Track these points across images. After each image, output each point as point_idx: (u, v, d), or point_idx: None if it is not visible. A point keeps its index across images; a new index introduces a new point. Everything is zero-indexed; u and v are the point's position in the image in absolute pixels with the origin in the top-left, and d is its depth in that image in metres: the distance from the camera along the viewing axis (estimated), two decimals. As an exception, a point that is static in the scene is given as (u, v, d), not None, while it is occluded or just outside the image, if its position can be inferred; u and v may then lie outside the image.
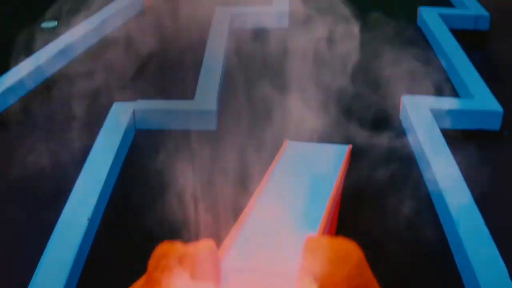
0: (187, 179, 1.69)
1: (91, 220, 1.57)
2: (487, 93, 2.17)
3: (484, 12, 2.97)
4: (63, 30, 2.69)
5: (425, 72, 2.57)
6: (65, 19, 2.82)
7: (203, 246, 0.90)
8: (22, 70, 2.34)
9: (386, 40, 2.75)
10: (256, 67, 2.35)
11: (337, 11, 2.78)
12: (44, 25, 2.89)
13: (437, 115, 2.05)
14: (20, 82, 2.31)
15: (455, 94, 2.34)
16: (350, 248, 1.00)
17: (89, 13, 2.82)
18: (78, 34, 2.65)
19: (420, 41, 2.84)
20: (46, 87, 2.42)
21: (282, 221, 1.27)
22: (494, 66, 2.69)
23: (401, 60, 2.65)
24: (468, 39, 2.82)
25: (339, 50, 2.42)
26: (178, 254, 0.88)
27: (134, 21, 3.04)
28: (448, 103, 2.13)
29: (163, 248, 0.92)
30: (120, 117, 2.04)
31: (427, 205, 1.76)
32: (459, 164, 1.80)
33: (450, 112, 2.08)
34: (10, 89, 2.27)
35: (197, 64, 2.43)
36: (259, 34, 2.80)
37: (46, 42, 2.56)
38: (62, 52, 2.53)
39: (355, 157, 1.90)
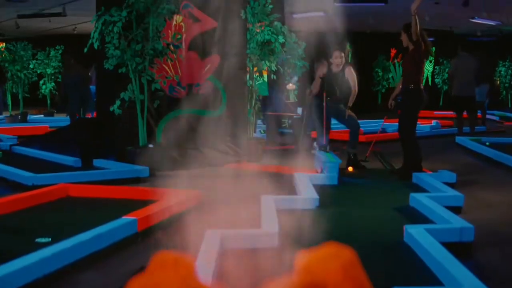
0: None
1: None
2: (476, 282, 2.16)
3: (468, 225, 3.05)
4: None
5: (412, 274, 2.58)
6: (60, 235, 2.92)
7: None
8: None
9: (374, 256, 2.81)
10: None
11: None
12: (39, 240, 3.01)
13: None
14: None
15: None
16: (340, 247, 1.05)
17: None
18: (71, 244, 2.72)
19: (408, 255, 2.88)
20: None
21: None
22: (481, 271, 2.70)
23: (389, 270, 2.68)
24: (455, 250, 2.85)
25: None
26: (174, 256, 1.10)
27: (127, 240, 3.12)
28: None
29: (162, 254, 1.13)
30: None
31: None
32: None
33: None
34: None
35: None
36: (249, 253, 2.84)
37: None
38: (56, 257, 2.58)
39: None
